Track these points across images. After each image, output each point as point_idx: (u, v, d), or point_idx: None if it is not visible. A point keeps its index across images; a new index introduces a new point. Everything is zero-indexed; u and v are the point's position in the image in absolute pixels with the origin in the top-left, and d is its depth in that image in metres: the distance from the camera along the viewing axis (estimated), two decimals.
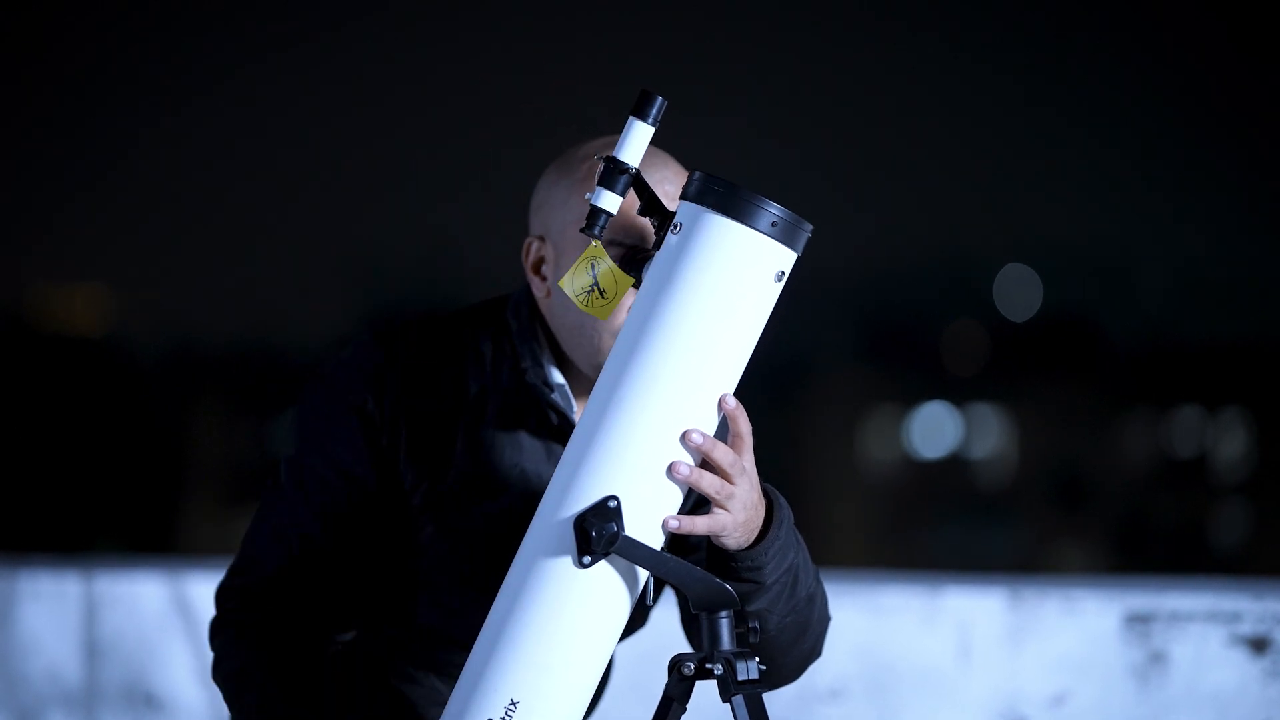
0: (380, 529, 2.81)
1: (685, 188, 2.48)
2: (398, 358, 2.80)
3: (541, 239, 2.78)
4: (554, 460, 2.79)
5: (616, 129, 2.56)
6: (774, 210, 2.44)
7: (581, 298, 2.58)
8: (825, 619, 2.82)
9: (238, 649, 2.78)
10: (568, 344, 2.78)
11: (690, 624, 2.95)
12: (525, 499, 2.74)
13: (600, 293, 2.58)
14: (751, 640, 2.58)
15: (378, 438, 2.78)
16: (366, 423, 2.79)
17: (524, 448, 2.80)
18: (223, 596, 2.83)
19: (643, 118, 2.50)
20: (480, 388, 2.81)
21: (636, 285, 2.55)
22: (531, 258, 2.80)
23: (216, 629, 2.82)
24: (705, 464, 2.52)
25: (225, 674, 2.79)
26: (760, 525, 2.59)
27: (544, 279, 2.79)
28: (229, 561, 2.89)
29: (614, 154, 2.50)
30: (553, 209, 2.77)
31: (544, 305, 2.81)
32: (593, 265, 2.57)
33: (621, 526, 2.43)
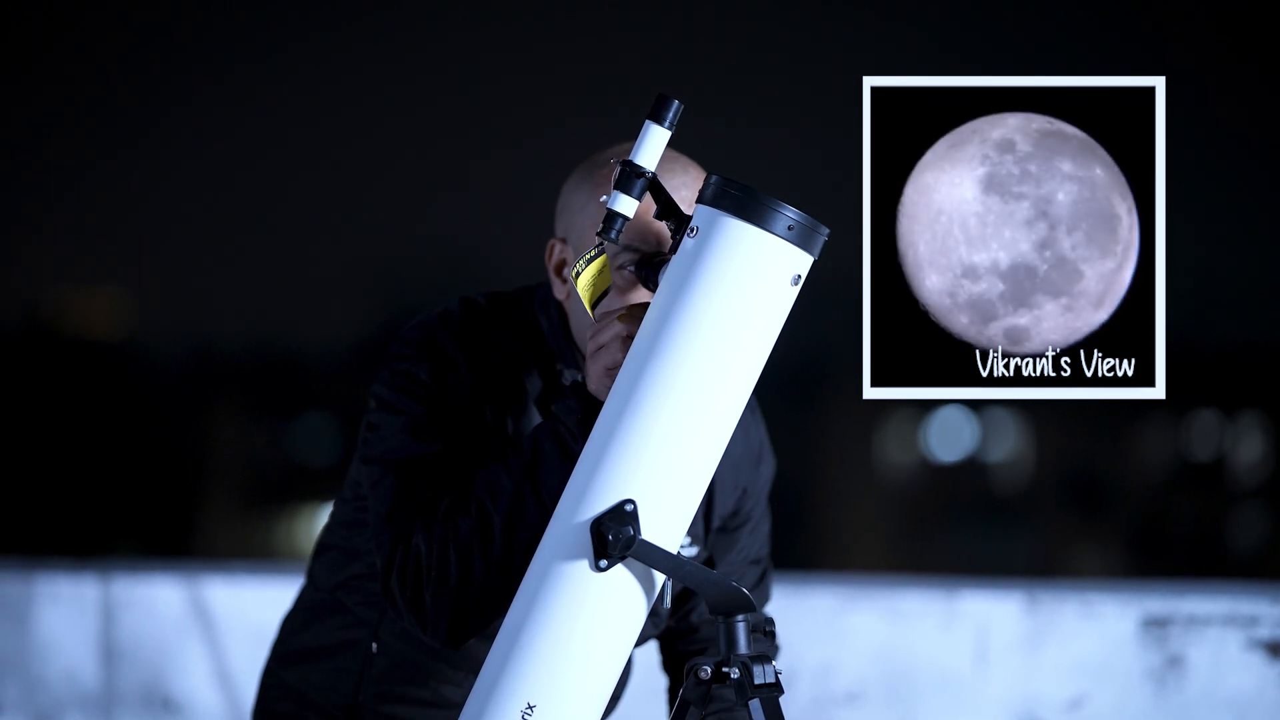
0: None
1: (701, 191, 2.48)
2: (441, 366, 2.78)
3: (564, 241, 2.80)
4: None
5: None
6: (790, 214, 2.44)
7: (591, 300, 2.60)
8: None
9: (452, 510, 2.63)
10: (586, 342, 2.79)
11: (671, 660, 2.98)
12: None
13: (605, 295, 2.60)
14: (768, 645, 2.58)
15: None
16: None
17: None
18: (390, 541, 2.66)
19: (659, 121, 2.50)
20: (513, 386, 2.81)
21: (652, 289, 2.56)
22: (554, 259, 2.81)
23: (398, 550, 2.64)
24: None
25: (466, 529, 2.60)
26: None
27: (564, 281, 2.80)
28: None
29: (630, 158, 2.50)
30: (573, 213, 2.78)
31: (565, 306, 2.82)
32: (602, 270, 2.59)
33: (638, 530, 2.43)
